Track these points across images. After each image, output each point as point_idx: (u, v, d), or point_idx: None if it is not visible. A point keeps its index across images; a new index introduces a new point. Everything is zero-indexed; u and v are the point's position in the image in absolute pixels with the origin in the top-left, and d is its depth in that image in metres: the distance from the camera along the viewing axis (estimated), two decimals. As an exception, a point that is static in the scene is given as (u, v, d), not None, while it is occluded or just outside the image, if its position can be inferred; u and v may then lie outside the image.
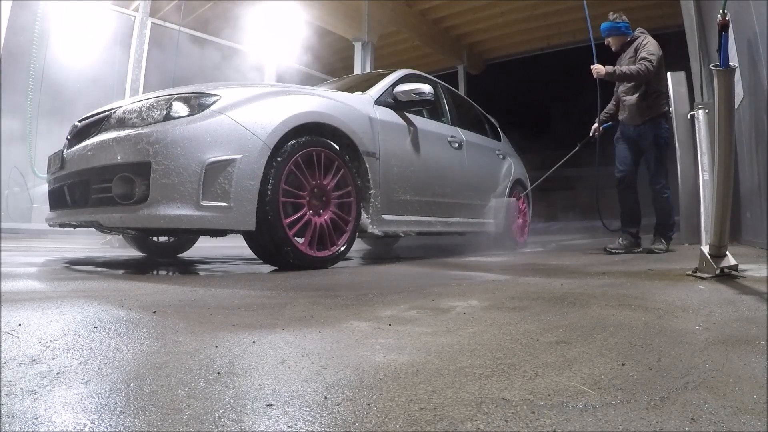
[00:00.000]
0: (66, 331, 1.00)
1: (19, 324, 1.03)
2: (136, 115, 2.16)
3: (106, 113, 2.31)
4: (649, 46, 3.31)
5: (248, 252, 2.41)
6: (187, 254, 3.60)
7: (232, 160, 2.06)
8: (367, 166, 2.69)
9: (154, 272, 2.43)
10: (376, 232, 2.75)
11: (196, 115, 2.09)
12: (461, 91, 7.99)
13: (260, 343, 0.93)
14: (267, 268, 2.42)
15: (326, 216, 2.44)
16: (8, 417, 0.58)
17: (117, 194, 2.05)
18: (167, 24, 6.79)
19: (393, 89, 3.09)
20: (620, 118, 3.62)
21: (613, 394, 0.68)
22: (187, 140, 2.01)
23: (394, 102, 3.05)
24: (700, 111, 3.37)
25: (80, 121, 2.50)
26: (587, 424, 0.58)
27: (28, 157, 5.64)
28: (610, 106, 3.78)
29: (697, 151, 3.22)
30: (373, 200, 2.73)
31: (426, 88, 3.03)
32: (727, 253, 1.86)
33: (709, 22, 4.64)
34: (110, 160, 2.08)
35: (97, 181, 2.14)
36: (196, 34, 7.15)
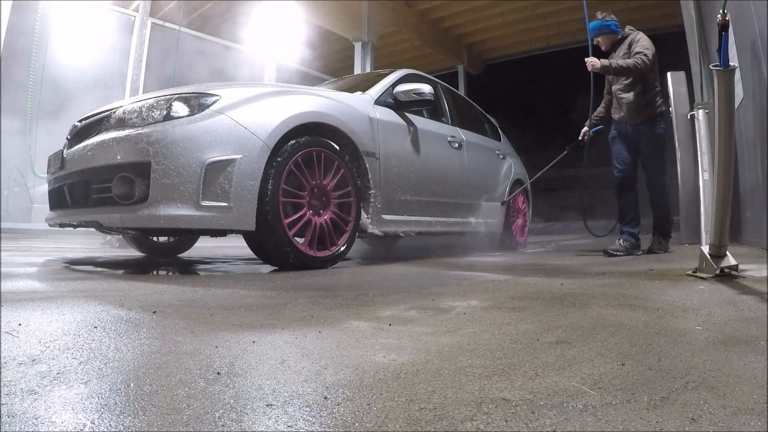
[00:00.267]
0: (66, 331, 1.00)
1: (19, 324, 1.03)
2: (136, 115, 2.16)
3: (106, 113, 2.32)
4: (642, 41, 3.24)
5: (248, 252, 2.41)
6: (187, 254, 3.60)
7: (232, 160, 2.06)
8: (367, 166, 2.69)
9: (154, 272, 2.43)
10: (376, 232, 2.75)
11: (196, 115, 2.09)
12: (461, 91, 7.99)
13: (260, 343, 0.93)
14: (267, 268, 2.42)
15: (326, 216, 2.44)
16: (8, 417, 0.58)
17: (117, 194, 2.05)
18: (167, 24, 6.79)
19: (393, 89, 3.09)
20: (616, 117, 3.53)
21: (613, 394, 0.68)
22: (187, 140, 2.01)
23: (394, 102, 3.05)
24: (700, 111, 3.37)
25: (80, 121, 2.50)
26: (587, 424, 0.58)
27: (28, 157, 5.64)
28: (600, 109, 3.69)
29: (697, 151, 3.22)
30: (373, 200, 2.73)
31: (426, 88, 3.03)
32: (727, 253, 1.85)
33: (709, 22, 4.64)
34: (110, 160, 2.08)
35: (97, 181, 2.14)
36: (196, 34, 7.15)
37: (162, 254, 3.41)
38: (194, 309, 1.28)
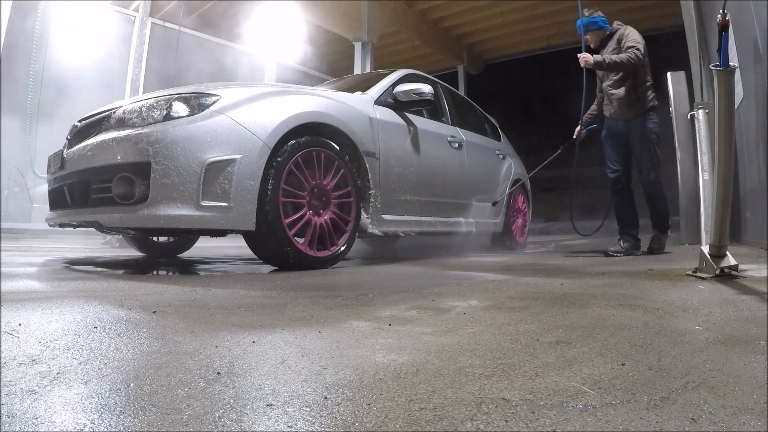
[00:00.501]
0: (66, 331, 1.00)
1: (19, 324, 1.03)
2: (136, 115, 2.17)
3: (106, 113, 2.32)
4: (632, 35, 3.20)
5: (248, 252, 2.41)
6: (187, 254, 3.60)
7: (232, 160, 2.06)
8: (367, 166, 2.69)
9: (154, 272, 2.44)
10: (376, 232, 2.75)
11: (196, 115, 2.09)
12: (461, 91, 7.99)
13: (260, 343, 0.93)
14: (267, 268, 2.42)
15: (326, 216, 2.44)
16: (8, 417, 0.58)
17: (117, 194, 2.05)
18: (167, 24, 6.79)
19: (393, 89, 3.09)
20: (607, 114, 3.47)
21: (613, 394, 0.68)
22: (187, 140, 2.02)
23: (394, 102, 3.05)
24: (700, 111, 3.37)
25: (80, 121, 2.50)
26: (587, 424, 0.58)
27: (28, 157, 5.65)
28: (593, 107, 3.64)
29: (697, 151, 3.22)
30: (373, 200, 2.73)
31: (426, 88, 3.03)
32: (727, 253, 1.85)
33: (709, 22, 4.64)
34: (110, 160, 2.08)
35: (97, 181, 2.14)
36: (196, 34, 7.15)
37: (162, 254, 3.41)
38: (194, 309, 1.28)
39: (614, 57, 3.14)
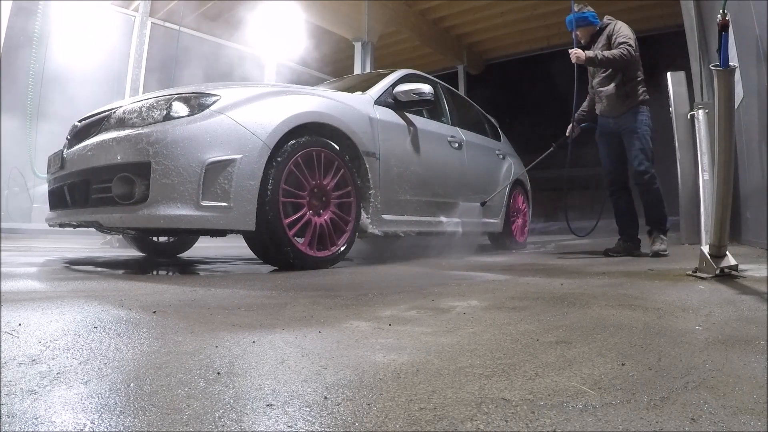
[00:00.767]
0: (66, 331, 1.00)
1: (19, 324, 1.03)
2: (136, 115, 2.16)
3: (106, 113, 2.32)
4: (623, 30, 3.13)
5: (248, 252, 2.41)
6: (187, 254, 3.60)
7: (232, 160, 2.06)
8: (367, 166, 2.69)
9: (154, 272, 2.44)
10: (376, 232, 2.75)
11: (196, 115, 2.09)
12: (461, 91, 7.99)
13: (260, 343, 0.93)
14: (267, 268, 2.42)
15: (326, 216, 2.44)
16: (8, 417, 0.58)
17: (117, 194, 2.05)
18: (167, 24, 6.80)
19: (393, 89, 3.09)
20: (598, 111, 3.39)
21: (613, 394, 0.68)
22: (187, 140, 2.01)
23: (394, 102, 3.05)
24: (700, 111, 3.37)
25: (80, 121, 2.50)
26: (587, 424, 0.58)
27: (28, 157, 5.65)
28: (585, 105, 3.57)
29: (697, 151, 3.22)
30: (373, 200, 2.73)
31: (426, 88, 3.03)
32: (727, 253, 1.86)
33: (709, 22, 4.64)
34: (110, 160, 2.08)
35: (97, 181, 2.14)
36: (196, 34, 7.15)
37: (162, 254, 3.41)
38: (194, 309, 1.28)
39: (606, 53, 3.08)
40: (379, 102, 2.97)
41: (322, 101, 2.56)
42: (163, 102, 2.14)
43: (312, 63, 8.57)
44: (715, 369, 0.78)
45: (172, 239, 3.45)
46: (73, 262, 2.66)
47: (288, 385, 0.71)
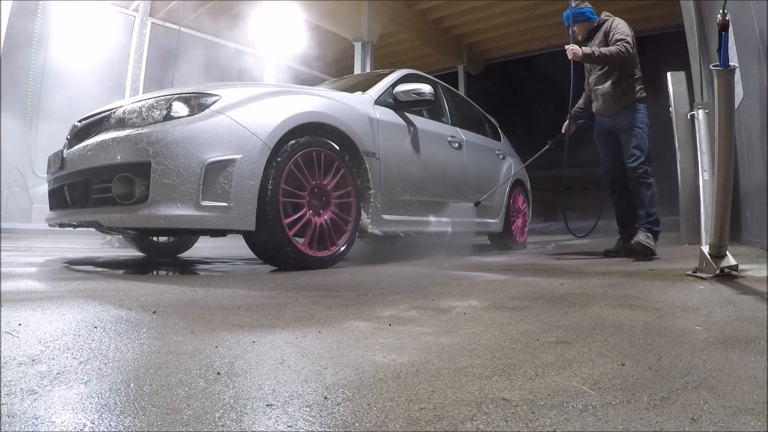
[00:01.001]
0: (66, 331, 1.00)
1: (19, 324, 1.03)
2: (136, 115, 2.16)
3: (106, 113, 2.31)
4: (621, 27, 3.06)
5: (248, 252, 2.41)
6: (187, 254, 3.60)
7: (232, 160, 2.06)
8: (367, 166, 2.69)
9: (154, 272, 2.44)
10: (376, 232, 2.75)
11: (196, 115, 2.09)
12: (461, 91, 7.99)
13: (260, 343, 0.93)
14: (267, 268, 2.42)
15: (326, 216, 2.44)
16: (8, 417, 0.58)
17: (117, 194, 2.05)
18: (167, 24, 6.80)
19: (393, 89, 3.09)
20: (594, 110, 3.34)
21: (613, 394, 0.68)
22: (187, 140, 2.01)
23: (394, 102, 3.05)
24: (700, 111, 3.37)
25: (80, 121, 2.50)
26: (587, 424, 0.58)
27: (28, 157, 5.65)
28: (581, 101, 3.50)
29: (697, 151, 3.21)
30: (373, 200, 2.73)
31: (426, 88, 3.03)
32: (727, 253, 1.86)
33: (709, 22, 4.64)
34: (110, 160, 2.08)
35: (97, 181, 2.14)
36: (196, 34, 7.15)
37: (162, 254, 3.41)
38: (194, 309, 1.28)
39: (603, 50, 3.02)
40: (379, 102, 2.97)
41: (322, 101, 2.56)
42: (163, 102, 2.14)
43: (312, 63, 8.56)
44: (715, 369, 0.78)
45: (172, 239, 3.45)
46: (73, 262, 2.66)
47: (288, 385, 0.71)
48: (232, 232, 2.18)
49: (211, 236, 2.71)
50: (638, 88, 3.13)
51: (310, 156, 2.37)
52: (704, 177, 2.96)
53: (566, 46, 3.08)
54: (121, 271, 2.34)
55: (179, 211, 1.98)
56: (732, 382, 0.72)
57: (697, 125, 3.36)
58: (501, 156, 4.43)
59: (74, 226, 2.51)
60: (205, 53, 7.11)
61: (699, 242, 3.01)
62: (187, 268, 2.66)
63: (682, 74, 4.32)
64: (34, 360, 0.79)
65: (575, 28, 3.26)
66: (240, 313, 1.23)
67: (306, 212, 2.34)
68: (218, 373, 0.75)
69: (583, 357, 0.86)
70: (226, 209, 2.05)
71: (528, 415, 0.61)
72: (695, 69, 4.83)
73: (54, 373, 0.73)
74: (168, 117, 2.09)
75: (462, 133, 3.80)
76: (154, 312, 1.21)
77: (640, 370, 0.78)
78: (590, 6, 3.26)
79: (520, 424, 0.58)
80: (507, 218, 4.32)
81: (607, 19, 3.18)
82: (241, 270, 2.52)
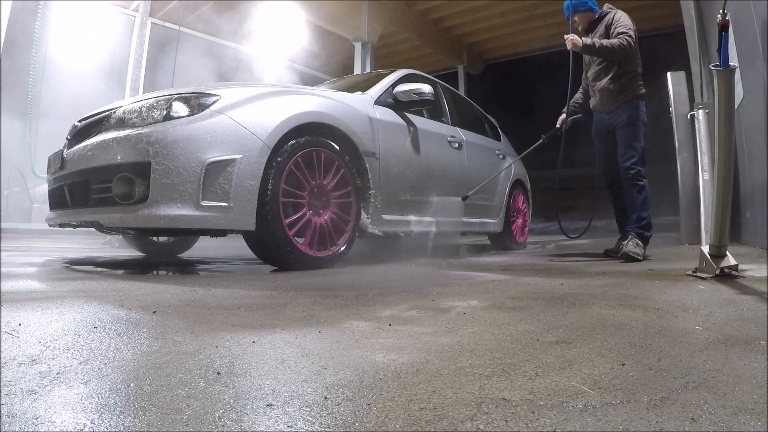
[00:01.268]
0: (66, 331, 1.00)
1: (19, 324, 1.03)
2: (136, 115, 2.16)
3: (106, 113, 2.32)
4: (623, 20, 2.95)
5: (248, 252, 2.41)
6: (187, 254, 3.60)
7: (232, 160, 2.06)
8: (367, 166, 2.69)
9: (154, 272, 2.43)
10: (376, 232, 2.75)
11: (196, 115, 2.09)
12: (461, 91, 7.99)
13: (260, 343, 0.93)
14: (267, 268, 2.42)
15: (326, 216, 2.44)
16: (8, 417, 0.58)
17: (117, 194, 2.05)
18: (167, 24, 6.80)
19: (393, 89, 3.09)
20: (591, 106, 3.23)
21: (613, 394, 0.68)
22: (187, 140, 2.01)
23: (394, 102, 3.05)
24: (700, 111, 3.37)
25: (80, 121, 2.50)
26: (587, 424, 0.58)
27: (28, 157, 5.65)
28: (578, 96, 3.37)
29: (697, 151, 3.21)
30: (373, 200, 2.73)
31: (426, 88, 3.03)
32: (727, 253, 1.86)
33: (709, 22, 4.64)
34: (110, 160, 2.08)
35: (97, 181, 2.14)
36: (196, 34, 7.15)
37: (162, 254, 3.41)
38: (194, 309, 1.28)
39: (605, 42, 2.89)
40: (379, 102, 2.97)
41: (322, 101, 2.56)
42: (163, 102, 2.14)
43: (312, 63, 8.56)
44: (715, 369, 0.78)
45: (172, 239, 3.45)
46: (73, 262, 2.66)
47: (288, 385, 0.71)
48: (232, 232, 2.18)
49: (211, 236, 2.71)
50: (638, 84, 3.02)
51: (310, 156, 2.37)
52: (704, 177, 2.95)
53: (565, 36, 2.95)
54: (121, 271, 2.34)
55: (179, 211, 1.98)
56: (732, 382, 0.72)
57: (697, 125, 3.36)
58: (501, 156, 4.43)
59: (74, 226, 2.51)
60: (204, 53, 7.10)
61: (699, 242, 3.01)
62: (187, 268, 2.66)
63: (682, 74, 4.32)
64: (34, 360, 0.79)
65: (576, 18, 3.15)
66: (240, 313, 1.23)
67: (306, 212, 2.34)
68: (218, 373, 0.75)
69: (583, 357, 0.86)
70: (226, 209, 2.05)
71: (528, 415, 0.61)
72: (695, 69, 4.83)
73: (54, 373, 0.73)
74: (168, 117, 2.09)
75: (462, 133, 3.80)
76: (154, 312, 1.21)
77: (640, 370, 0.78)
78: None
79: (520, 424, 0.58)
80: (507, 218, 4.32)
81: (610, 11, 3.07)
82: (241, 270, 2.52)
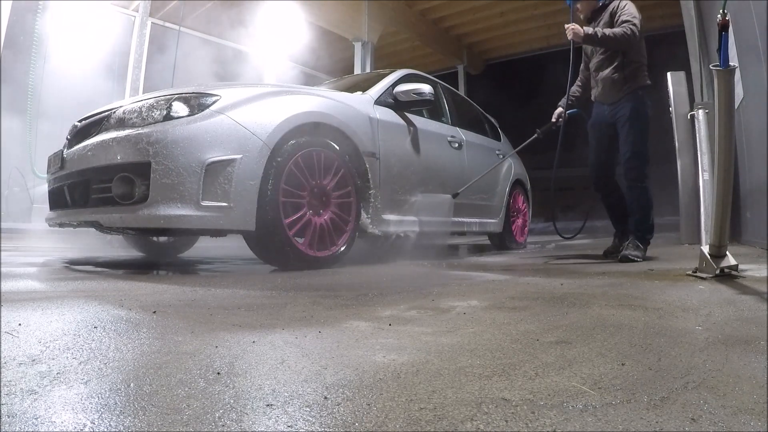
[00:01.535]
0: (66, 331, 1.00)
1: (19, 324, 1.03)
2: (136, 115, 2.16)
3: (106, 113, 2.32)
4: (628, 8, 2.80)
5: (248, 252, 2.41)
6: (187, 254, 3.60)
7: (232, 160, 2.06)
8: (367, 166, 2.69)
9: (154, 272, 2.43)
10: (376, 232, 2.75)
11: (196, 115, 2.09)
12: (461, 91, 7.99)
13: (260, 343, 0.93)
14: (267, 268, 2.42)
15: (326, 216, 2.44)
16: (8, 417, 0.58)
17: (117, 194, 2.05)
18: (167, 24, 6.80)
19: (393, 89, 3.09)
20: (592, 97, 3.09)
21: (613, 394, 0.68)
22: (187, 140, 2.01)
23: (394, 102, 3.05)
24: (700, 111, 3.37)
25: (80, 121, 2.50)
26: (587, 424, 0.58)
27: (28, 157, 5.64)
28: (575, 88, 3.22)
29: (697, 151, 3.21)
30: (373, 200, 2.73)
31: (426, 88, 3.03)
32: (727, 253, 1.85)
33: (709, 22, 4.64)
34: (110, 160, 2.08)
35: (97, 181, 2.14)
36: (196, 34, 7.15)
37: (162, 254, 3.41)
38: (194, 309, 1.28)
39: (607, 31, 2.75)
40: (379, 102, 2.97)
41: (322, 101, 2.56)
42: (163, 102, 2.14)
43: (312, 63, 8.56)
44: (715, 369, 0.78)
45: (172, 239, 3.45)
46: (73, 262, 2.66)
47: (288, 385, 0.71)
48: (232, 232, 2.18)
49: (211, 236, 2.71)
50: (643, 74, 2.89)
51: (310, 156, 2.37)
52: (704, 177, 2.95)
53: (566, 25, 2.83)
54: (121, 271, 2.34)
55: (179, 211, 1.98)
56: (732, 382, 0.72)
57: (697, 125, 3.36)
58: (501, 156, 4.43)
59: (74, 226, 2.51)
60: (204, 53, 7.10)
61: (699, 242, 3.01)
62: (187, 268, 2.66)
63: (682, 74, 4.32)
64: (34, 360, 0.79)
65: (578, 6, 3.03)
66: (240, 313, 1.23)
67: (306, 212, 2.34)
68: (218, 373, 0.75)
69: (583, 357, 0.86)
70: (227, 209, 2.05)
71: (528, 415, 0.61)
72: (695, 69, 4.83)
73: (54, 373, 0.73)
74: (168, 117, 2.09)
75: (462, 133, 3.80)
76: (154, 312, 1.21)
77: (640, 370, 0.78)
78: None
79: (520, 424, 0.58)
80: (507, 218, 4.32)
81: (614, 0, 2.90)
82: (241, 270, 2.52)
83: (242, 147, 2.10)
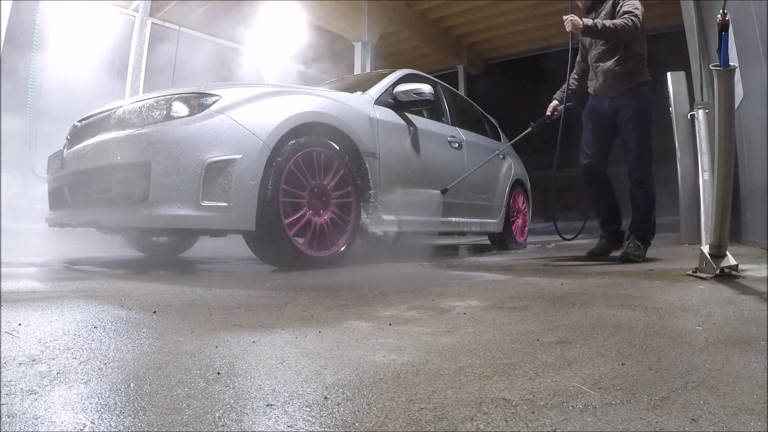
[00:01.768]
0: (66, 331, 1.00)
1: (19, 324, 1.03)
2: (136, 115, 2.17)
3: (106, 113, 2.32)
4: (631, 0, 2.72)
5: (248, 252, 2.41)
6: (187, 254, 3.60)
7: (232, 160, 2.06)
8: (367, 166, 2.69)
9: (154, 272, 2.43)
10: (376, 232, 2.75)
11: (196, 115, 2.09)
12: (461, 91, 7.99)
13: (260, 343, 0.93)
14: (267, 268, 2.42)
15: (326, 216, 2.44)
16: (8, 417, 0.58)
17: (117, 194, 2.05)
18: (167, 24, 6.80)
19: (393, 89, 3.09)
20: (591, 90, 3.00)
21: (613, 394, 0.68)
22: (187, 140, 2.02)
23: (394, 102, 3.05)
24: (700, 111, 3.37)
25: (80, 121, 2.50)
26: (587, 424, 0.58)
27: (28, 157, 5.64)
28: (571, 81, 3.13)
29: (697, 151, 3.21)
30: (373, 200, 2.73)
31: (426, 88, 3.03)
32: (727, 253, 1.85)
33: (709, 22, 4.64)
34: (110, 160, 2.08)
35: (97, 181, 2.14)
36: (196, 34, 7.15)
37: (162, 254, 3.41)
38: (194, 309, 1.28)
39: (608, 22, 2.67)
40: (379, 102, 2.97)
41: (322, 101, 2.56)
42: (163, 102, 2.14)
43: (312, 63, 8.56)
44: (715, 369, 0.78)
45: (172, 239, 3.45)
46: (73, 262, 2.66)
47: (288, 385, 0.71)
48: (232, 232, 2.18)
49: (211, 236, 2.71)
50: (645, 69, 2.83)
51: (310, 156, 2.37)
52: (704, 177, 2.95)
53: (564, 17, 2.73)
54: (121, 271, 2.34)
55: (179, 211, 1.98)
56: (732, 382, 0.72)
57: (697, 125, 3.36)
58: (501, 156, 4.43)
59: (74, 226, 2.51)
60: (204, 53, 7.10)
61: (699, 242, 3.01)
62: (187, 268, 2.65)
63: (682, 74, 4.32)
64: (34, 360, 0.79)
65: None
66: (240, 313, 1.23)
67: (306, 212, 2.34)
68: (218, 373, 0.75)
69: (583, 357, 0.86)
70: (226, 209, 2.05)
71: (528, 415, 0.61)
72: (695, 69, 4.83)
73: (54, 373, 0.73)
74: (168, 117, 2.09)
75: (462, 133, 3.80)
76: (154, 312, 1.21)
77: (640, 370, 0.78)
78: None
79: (520, 424, 0.58)
80: (507, 218, 4.32)
81: None
82: (241, 270, 2.52)
83: (242, 147, 2.10)
